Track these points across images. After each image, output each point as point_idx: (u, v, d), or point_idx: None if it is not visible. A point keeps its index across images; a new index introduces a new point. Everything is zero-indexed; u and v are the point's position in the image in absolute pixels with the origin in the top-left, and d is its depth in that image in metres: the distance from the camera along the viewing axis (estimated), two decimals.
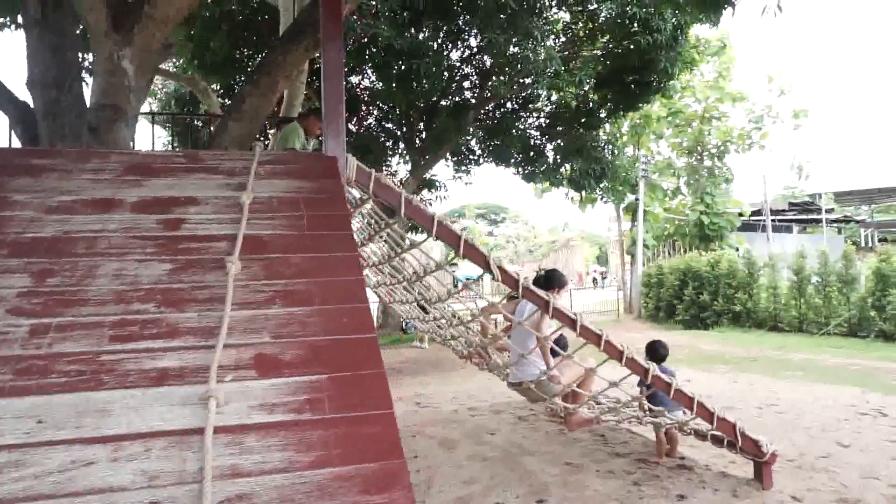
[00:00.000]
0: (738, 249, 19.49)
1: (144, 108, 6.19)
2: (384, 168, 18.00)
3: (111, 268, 2.27)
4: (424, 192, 17.12)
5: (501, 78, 13.38)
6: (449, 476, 4.68)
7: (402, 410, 7.01)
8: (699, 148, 22.13)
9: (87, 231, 2.45)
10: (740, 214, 22.21)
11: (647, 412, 4.33)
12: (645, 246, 20.19)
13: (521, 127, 17.07)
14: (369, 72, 15.37)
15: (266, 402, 1.77)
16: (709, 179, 22.08)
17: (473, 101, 15.14)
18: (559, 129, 16.82)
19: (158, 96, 16.19)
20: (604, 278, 41.09)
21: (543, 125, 17.26)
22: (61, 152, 3.05)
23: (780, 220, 29.04)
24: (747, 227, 25.12)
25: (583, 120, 16.43)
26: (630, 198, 19.43)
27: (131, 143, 3.89)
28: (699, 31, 16.82)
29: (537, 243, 59.74)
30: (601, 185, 16.56)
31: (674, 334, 15.02)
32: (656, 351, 4.96)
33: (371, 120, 17.77)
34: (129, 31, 3.53)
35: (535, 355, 4.27)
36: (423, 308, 5.64)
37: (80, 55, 4.55)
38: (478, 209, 66.46)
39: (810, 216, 29.57)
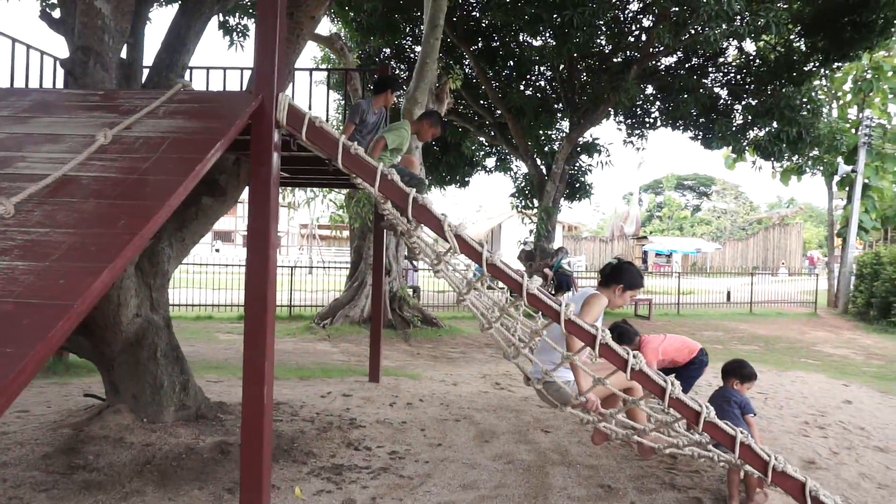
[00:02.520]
0: None
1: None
2: (553, 131, 17.01)
3: None
4: (584, 157, 15.81)
5: (666, 25, 11.55)
6: (452, 475, 4.05)
7: (473, 389, 6.43)
8: None
9: None
10: None
11: (690, 441, 3.23)
12: (863, 229, 16.55)
13: (707, 84, 14.83)
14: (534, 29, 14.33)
15: None
16: None
17: (637, 55, 13.39)
18: (751, 86, 14.27)
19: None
20: None
21: (733, 82, 14.78)
22: None
23: None
24: None
25: (784, 74, 13.72)
26: (845, 169, 15.98)
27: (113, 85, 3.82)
28: None
29: (749, 220, 53.17)
30: (800, 153, 13.77)
31: (882, 338, 12.14)
32: (725, 368, 3.76)
33: (543, 82, 16.86)
34: None
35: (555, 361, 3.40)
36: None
37: None
38: (681, 179, 60.88)
39: None
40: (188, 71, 5.12)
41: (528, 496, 3.75)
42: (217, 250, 43.52)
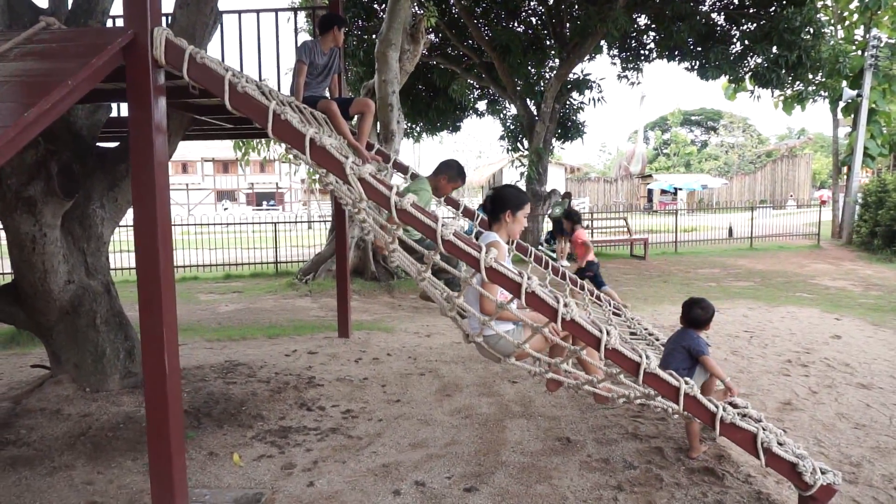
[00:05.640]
0: None
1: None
2: (542, 69, 16.28)
3: None
4: (575, 95, 15.18)
5: None
6: (404, 433, 3.87)
7: (446, 341, 6.23)
8: None
9: None
10: None
11: (640, 392, 2.97)
12: (869, 156, 15.94)
13: (702, 9, 14.03)
14: None
15: None
16: None
17: None
18: (749, 10, 13.48)
19: None
20: None
21: (730, 6, 13.97)
22: None
23: None
24: None
25: None
26: (850, 93, 15.26)
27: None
28: None
29: (757, 153, 51.96)
30: (801, 78, 13.08)
31: (885, 268, 11.81)
32: (683, 307, 3.46)
33: (533, 18, 16.06)
34: None
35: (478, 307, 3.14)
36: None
37: None
38: (688, 115, 59.29)
39: None
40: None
41: (479, 453, 3.56)
42: (226, 209, 43.46)
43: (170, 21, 4.37)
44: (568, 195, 13.80)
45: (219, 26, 4.77)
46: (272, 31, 6.28)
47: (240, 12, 6.11)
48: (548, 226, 14.02)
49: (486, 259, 2.51)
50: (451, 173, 4.31)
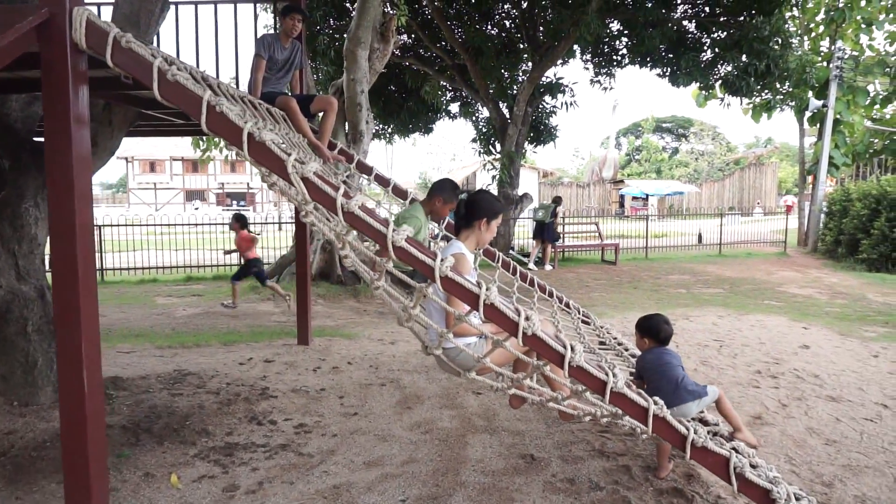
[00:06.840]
0: None
1: None
2: (516, 73, 16.17)
3: None
4: (547, 98, 15.10)
5: None
6: (359, 450, 3.64)
7: (410, 349, 5.99)
8: None
9: None
10: None
11: (608, 412, 2.79)
12: (833, 165, 16.19)
13: (674, 16, 14.07)
14: None
15: None
16: None
17: None
18: (720, 18, 13.56)
19: None
20: None
21: (701, 14, 14.04)
22: None
23: None
24: None
25: (754, 4, 13.00)
26: (816, 104, 15.48)
27: None
28: None
29: (725, 160, 52.85)
30: (769, 87, 13.19)
31: (849, 276, 11.93)
32: (650, 328, 3.29)
33: (507, 21, 15.94)
34: None
35: (439, 319, 2.95)
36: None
37: None
38: (660, 122, 60.12)
39: None
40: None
41: (438, 472, 3.35)
42: (196, 208, 42.61)
43: (113, 8, 4.08)
44: (558, 200, 13.63)
45: (167, 15, 4.47)
46: (231, 24, 5.98)
47: (196, 3, 5.82)
48: (522, 230, 13.87)
49: (440, 268, 2.30)
50: (445, 195, 3.88)
